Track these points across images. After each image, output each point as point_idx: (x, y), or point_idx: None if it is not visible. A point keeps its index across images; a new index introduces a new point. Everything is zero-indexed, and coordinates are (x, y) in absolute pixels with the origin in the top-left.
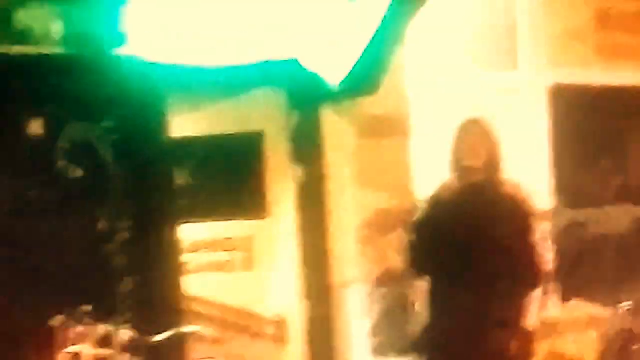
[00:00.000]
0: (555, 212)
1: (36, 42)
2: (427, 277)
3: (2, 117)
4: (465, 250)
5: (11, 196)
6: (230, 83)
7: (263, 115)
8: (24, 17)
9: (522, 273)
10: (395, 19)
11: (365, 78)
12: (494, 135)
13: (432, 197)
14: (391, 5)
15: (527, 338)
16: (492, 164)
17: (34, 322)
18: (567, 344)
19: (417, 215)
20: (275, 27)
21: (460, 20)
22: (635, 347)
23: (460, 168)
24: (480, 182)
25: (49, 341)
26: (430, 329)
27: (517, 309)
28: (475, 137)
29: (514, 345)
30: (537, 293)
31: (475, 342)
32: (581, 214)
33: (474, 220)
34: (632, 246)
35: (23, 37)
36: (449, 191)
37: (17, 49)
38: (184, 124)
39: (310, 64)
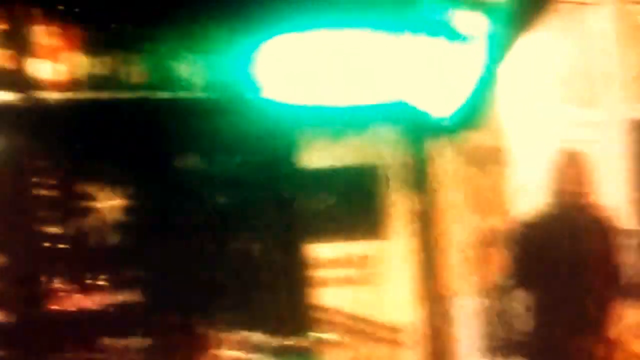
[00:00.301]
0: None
1: (186, 89)
2: (527, 288)
3: (159, 152)
4: (561, 265)
5: (170, 221)
6: (354, 121)
7: (382, 149)
8: (176, 68)
9: (611, 285)
10: (495, 62)
11: (470, 115)
12: (586, 165)
13: (532, 218)
14: (492, 48)
15: (615, 344)
16: (584, 190)
17: (188, 329)
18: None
19: (519, 233)
20: (393, 72)
21: (547, 61)
22: None
23: (557, 193)
24: (574, 205)
25: (201, 344)
26: (529, 334)
27: (606, 318)
28: (570, 166)
29: (602, 351)
30: (624, 303)
31: (568, 345)
32: None
33: (569, 239)
34: None
35: (176, 84)
36: (546, 213)
37: (171, 95)
38: (315, 157)
39: (423, 104)
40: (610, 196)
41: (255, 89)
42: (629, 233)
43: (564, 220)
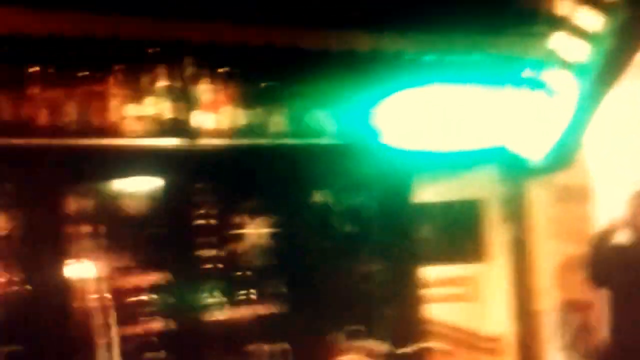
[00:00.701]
0: None
1: (320, 136)
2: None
3: (298, 190)
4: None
5: (305, 246)
6: (459, 163)
7: (482, 186)
8: (312, 118)
9: None
10: (583, 110)
11: (560, 157)
12: None
13: (612, 245)
14: (581, 99)
15: None
16: None
17: (320, 338)
18: None
19: (602, 258)
20: (494, 121)
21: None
22: None
23: (633, 224)
24: None
25: (331, 351)
26: (609, 342)
27: None
28: None
29: None
30: None
31: None
32: None
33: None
34: None
35: (312, 132)
36: (629, 241)
37: (307, 142)
38: (425, 193)
39: (519, 149)
40: None
41: (376, 136)
42: None
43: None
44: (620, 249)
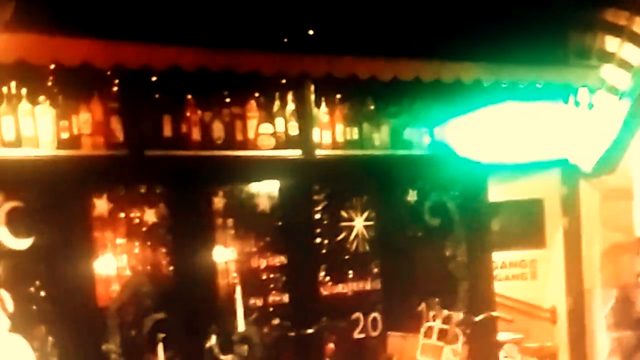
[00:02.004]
0: None
1: (412, 147)
2: None
3: (393, 191)
4: None
5: (398, 235)
6: (525, 167)
7: (544, 187)
8: (406, 133)
9: None
10: (627, 128)
11: (607, 164)
12: None
13: None
14: (625, 119)
15: None
16: None
17: (409, 308)
18: None
19: None
20: (554, 137)
21: None
22: None
23: None
24: None
25: (418, 319)
26: None
27: None
28: None
29: None
30: None
31: None
32: None
33: None
34: None
35: (406, 144)
36: None
37: (402, 152)
38: (497, 193)
39: (574, 160)
40: None
41: (457, 148)
42: None
43: None
44: None
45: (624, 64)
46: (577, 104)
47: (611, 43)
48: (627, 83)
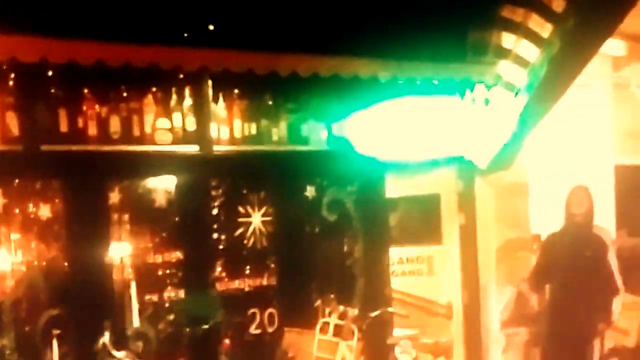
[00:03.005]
0: (619, 240)
1: (312, 143)
2: (543, 280)
3: (291, 186)
4: (570, 264)
5: (295, 230)
6: (422, 164)
7: (441, 183)
8: (305, 129)
9: (606, 284)
10: (522, 125)
11: (502, 161)
12: (590, 196)
13: (552, 233)
14: (520, 116)
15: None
16: (588, 214)
17: (306, 304)
18: (620, 320)
19: (543, 240)
20: (449, 134)
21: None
22: None
23: (570, 216)
24: (581, 222)
25: (314, 315)
26: (542, 314)
27: (603, 308)
28: (580, 196)
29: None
30: (617, 299)
31: (567, 321)
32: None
33: (577, 249)
34: None
35: (304, 141)
36: (563, 227)
37: (300, 148)
38: (395, 188)
39: (469, 156)
40: (602, 218)
41: (356, 144)
42: (613, 243)
43: (575, 235)
44: (558, 241)
45: (520, 61)
46: (473, 100)
47: (508, 40)
48: (523, 80)
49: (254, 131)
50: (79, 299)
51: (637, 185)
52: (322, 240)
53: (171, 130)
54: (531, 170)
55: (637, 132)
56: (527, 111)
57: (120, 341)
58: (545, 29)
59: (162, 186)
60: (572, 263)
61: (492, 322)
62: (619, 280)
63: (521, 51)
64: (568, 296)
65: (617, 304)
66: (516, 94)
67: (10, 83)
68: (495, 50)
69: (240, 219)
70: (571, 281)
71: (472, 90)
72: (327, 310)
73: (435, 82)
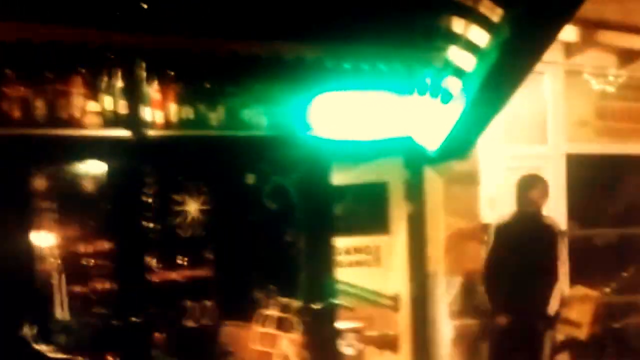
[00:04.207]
0: (570, 231)
1: (252, 129)
2: (493, 270)
3: (231, 174)
4: (519, 254)
5: (235, 220)
6: (369, 151)
7: (389, 171)
8: (245, 114)
9: (551, 271)
10: (470, 111)
11: (452, 148)
12: (541, 185)
13: (501, 222)
14: (468, 101)
15: (551, 317)
16: (539, 203)
17: (246, 296)
18: (572, 312)
19: (492, 230)
20: (398, 116)
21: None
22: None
23: (520, 205)
24: (532, 212)
25: (254, 307)
26: (490, 304)
27: (547, 294)
28: (531, 186)
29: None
30: (558, 285)
31: (517, 312)
32: (587, 232)
33: (527, 235)
34: (616, 251)
35: (244, 126)
36: (513, 216)
37: (241, 133)
38: (341, 176)
39: (418, 139)
40: (553, 208)
41: (302, 128)
42: (563, 234)
43: (526, 223)
44: (508, 231)
45: (471, 46)
46: (422, 85)
47: (458, 24)
48: (473, 65)
49: (190, 115)
50: (0, 289)
51: (589, 175)
52: (263, 230)
53: (101, 113)
54: (482, 158)
55: (589, 120)
56: (478, 99)
57: (43, 334)
58: (495, 13)
59: (91, 172)
60: (521, 253)
61: (440, 314)
62: (563, 268)
63: (471, 36)
64: (515, 287)
65: (555, 294)
66: (465, 80)
67: None
68: (445, 35)
69: (176, 208)
70: (520, 271)
71: (421, 76)
72: (269, 302)
73: (384, 67)
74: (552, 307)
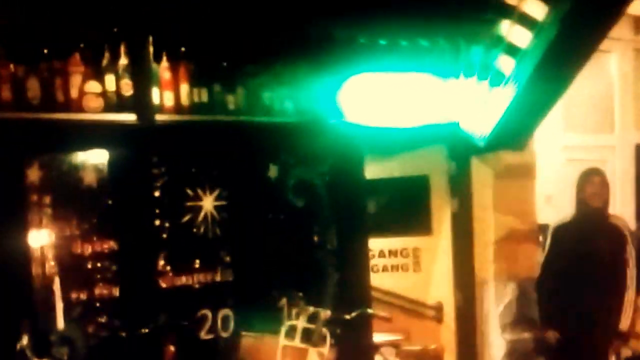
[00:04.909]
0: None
1: (275, 114)
2: (551, 278)
3: (251, 165)
4: (581, 259)
5: (256, 217)
6: (408, 140)
7: (430, 163)
8: (267, 97)
9: (619, 278)
10: (525, 94)
11: (504, 136)
12: (606, 180)
13: (561, 223)
14: (523, 82)
15: (623, 332)
16: (604, 201)
17: (268, 304)
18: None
19: (550, 231)
20: (441, 99)
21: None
22: None
23: (582, 202)
24: (595, 210)
25: (278, 317)
26: (547, 316)
27: (614, 305)
28: (594, 181)
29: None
30: (629, 295)
31: (578, 326)
32: None
33: (590, 237)
34: None
35: (266, 111)
36: (574, 216)
37: (262, 119)
38: (375, 169)
39: (464, 125)
40: (620, 207)
41: (332, 115)
42: (633, 235)
43: (589, 226)
44: (570, 233)
45: (526, 19)
46: (471, 64)
47: None
48: (529, 42)
49: (204, 98)
50: None
51: None
52: (288, 230)
53: (103, 95)
54: (539, 149)
55: None
56: (534, 81)
57: (41, 346)
58: None
59: (91, 162)
60: (584, 257)
61: (489, 327)
62: (634, 277)
63: (527, 8)
64: (579, 296)
65: (628, 305)
66: (520, 57)
67: None
68: (496, 7)
69: (189, 203)
70: (583, 279)
71: (470, 54)
72: (294, 311)
73: (425, 43)
74: (624, 321)
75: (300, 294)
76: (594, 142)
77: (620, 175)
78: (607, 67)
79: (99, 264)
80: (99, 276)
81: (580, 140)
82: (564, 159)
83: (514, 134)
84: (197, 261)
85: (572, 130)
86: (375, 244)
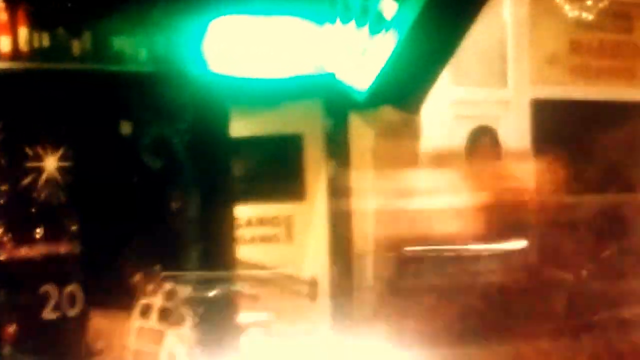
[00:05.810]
0: None
1: (127, 63)
2: None
3: (99, 121)
4: None
5: (105, 180)
6: (278, 93)
7: (304, 120)
8: (118, 43)
9: None
10: (409, 44)
11: (386, 91)
12: (496, 138)
13: None
14: (406, 31)
15: None
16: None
17: (120, 279)
18: None
19: None
20: (315, 47)
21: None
22: None
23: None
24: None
25: (131, 294)
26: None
27: None
28: (483, 140)
29: None
30: None
31: None
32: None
33: None
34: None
35: (117, 58)
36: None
37: (112, 68)
38: (242, 126)
39: (341, 76)
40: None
41: (192, 63)
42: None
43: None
44: None
45: None
46: (346, 9)
47: None
48: None
49: (46, 42)
50: None
51: (561, 126)
52: (143, 195)
53: None
54: (424, 105)
55: (561, 57)
56: (420, 27)
57: None
58: None
59: None
60: None
61: (367, 301)
62: None
63: None
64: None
65: None
66: (403, 3)
67: None
68: None
69: (28, 164)
70: None
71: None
72: (150, 288)
73: None
74: None
75: (157, 268)
76: (485, 97)
77: (514, 133)
78: (499, 13)
79: None
80: None
81: (470, 95)
82: (451, 116)
83: (397, 88)
84: (39, 230)
85: (460, 83)
86: (242, 211)
